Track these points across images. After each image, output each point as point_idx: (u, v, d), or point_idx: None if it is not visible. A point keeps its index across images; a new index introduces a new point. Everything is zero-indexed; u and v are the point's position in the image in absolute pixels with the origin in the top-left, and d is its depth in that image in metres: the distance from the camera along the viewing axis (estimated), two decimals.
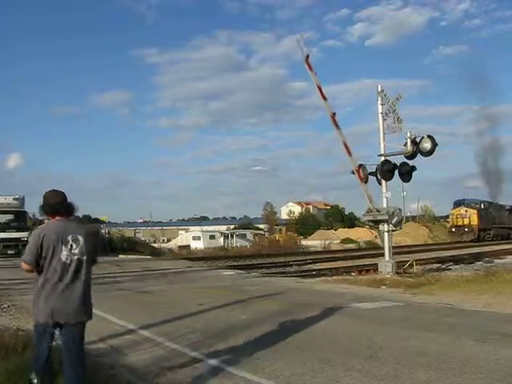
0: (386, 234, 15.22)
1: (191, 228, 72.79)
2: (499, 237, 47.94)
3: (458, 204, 48.82)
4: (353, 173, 15.59)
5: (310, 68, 14.79)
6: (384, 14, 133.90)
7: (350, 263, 22.81)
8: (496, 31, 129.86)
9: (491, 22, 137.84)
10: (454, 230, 47.48)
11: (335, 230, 67.47)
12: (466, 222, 46.52)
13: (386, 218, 14.78)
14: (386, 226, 15.04)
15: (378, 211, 15.05)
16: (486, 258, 24.85)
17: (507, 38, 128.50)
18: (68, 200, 3.95)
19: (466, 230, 45.99)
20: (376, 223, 15.78)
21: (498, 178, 61.74)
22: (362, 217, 16.93)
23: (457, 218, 47.43)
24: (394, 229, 15.31)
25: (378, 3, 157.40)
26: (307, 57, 14.70)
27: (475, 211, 46.73)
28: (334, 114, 14.85)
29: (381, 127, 15.12)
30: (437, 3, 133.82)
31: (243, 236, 53.33)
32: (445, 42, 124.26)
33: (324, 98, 14.87)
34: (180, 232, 70.35)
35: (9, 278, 14.77)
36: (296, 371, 5.03)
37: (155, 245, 46.86)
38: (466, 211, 47.02)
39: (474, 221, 46.15)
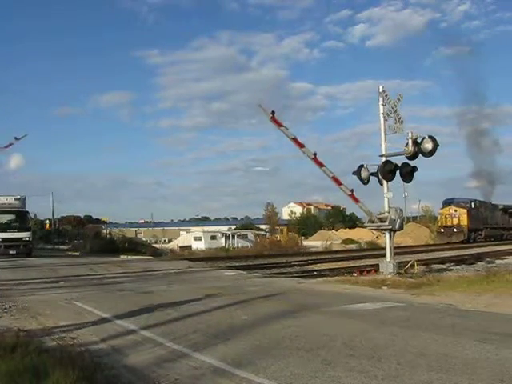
0: (387, 236, 15.27)
1: (192, 228, 72.70)
2: (492, 238, 45.83)
3: (447, 203, 46.27)
4: (354, 174, 15.63)
5: (280, 124, 14.74)
6: (384, 15, 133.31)
7: (351, 264, 22.81)
8: (496, 32, 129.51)
9: (491, 24, 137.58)
10: (442, 230, 44.79)
11: (336, 230, 67.34)
12: (456, 221, 43.94)
13: (390, 227, 14.92)
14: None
15: (381, 221, 15.08)
16: (488, 259, 24.80)
17: (507, 39, 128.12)
18: None
19: (455, 230, 43.39)
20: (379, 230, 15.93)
21: (491, 176, 58.55)
22: (365, 221, 16.95)
23: (445, 217, 44.88)
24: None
25: (378, 4, 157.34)
26: (273, 114, 14.57)
27: (465, 210, 44.18)
28: (315, 154, 15.03)
29: (382, 128, 15.12)
30: (437, 4, 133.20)
31: (244, 236, 53.28)
32: (445, 43, 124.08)
33: (301, 145, 15.01)
34: (181, 232, 70.25)
35: (11, 279, 14.82)
36: (297, 372, 5.03)
37: (156, 245, 46.84)
38: (456, 210, 44.45)
39: (464, 221, 43.62)
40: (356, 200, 15.59)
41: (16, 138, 26.92)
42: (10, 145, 27.30)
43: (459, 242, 41.38)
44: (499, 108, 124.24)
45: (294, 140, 14.78)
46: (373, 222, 15.56)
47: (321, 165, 15.12)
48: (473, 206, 45.38)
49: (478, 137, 61.82)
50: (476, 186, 59.06)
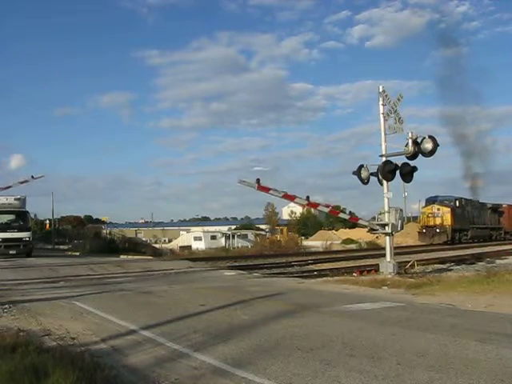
0: (387, 236, 15.29)
1: (192, 228, 72.78)
2: (479, 238, 43.50)
3: (430, 201, 42.89)
4: (354, 173, 15.65)
5: (267, 189, 15.23)
6: (384, 16, 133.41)
7: (351, 264, 22.78)
8: (495, 33, 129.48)
9: (490, 24, 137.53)
10: (424, 231, 41.33)
11: (336, 230, 67.43)
12: (438, 221, 40.61)
13: (393, 232, 14.98)
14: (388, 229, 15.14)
15: (382, 226, 15.12)
16: (488, 259, 24.79)
17: (506, 40, 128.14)
18: None
19: (438, 230, 40.04)
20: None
21: (479, 173, 54.46)
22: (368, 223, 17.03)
23: (428, 217, 41.57)
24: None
25: (377, 5, 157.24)
26: (258, 182, 14.98)
27: (448, 209, 40.91)
28: (308, 197, 15.52)
29: (382, 128, 15.12)
30: (436, 5, 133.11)
31: (244, 236, 53.30)
32: (444, 44, 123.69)
33: (293, 198, 15.50)
34: (181, 232, 70.38)
35: (11, 279, 14.82)
36: (297, 371, 5.03)
37: (156, 245, 46.86)
38: (439, 209, 41.18)
39: (447, 220, 40.34)
40: (355, 219, 15.95)
41: (33, 177, 27.59)
42: (26, 181, 27.72)
43: (442, 243, 38.65)
44: (496, 108, 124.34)
45: (285, 196, 15.54)
46: (375, 229, 15.70)
47: (315, 206, 15.65)
48: (457, 205, 42.19)
49: (467, 136, 59.88)
50: (484, 186, 56.31)
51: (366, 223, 15.97)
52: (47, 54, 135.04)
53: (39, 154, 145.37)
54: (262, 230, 63.92)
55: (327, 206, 15.98)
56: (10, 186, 27.32)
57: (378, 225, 15.36)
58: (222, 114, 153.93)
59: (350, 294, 11.19)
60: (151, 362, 5.51)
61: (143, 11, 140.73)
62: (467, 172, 54.64)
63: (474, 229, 43.32)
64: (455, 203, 42.10)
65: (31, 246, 27.23)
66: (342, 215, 15.74)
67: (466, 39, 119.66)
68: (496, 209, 47.92)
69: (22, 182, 28.01)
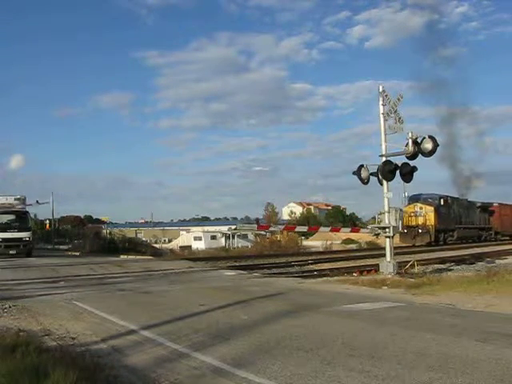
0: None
1: (192, 228, 72.75)
2: (468, 239, 41.56)
3: (413, 200, 39.18)
4: (354, 174, 15.66)
5: (267, 227, 16.23)
6: (383, 16, 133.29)
7: (351, 264, 22.79)
8: (494, 33, 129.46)
9: (489, 25, 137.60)
10: (405, 231, 36.94)
11: None
12: (421, 221, 37.75)
13: (394, 234, 15.01)
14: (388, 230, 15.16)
15: (383, 229, 15.15)
16: (488, 259, 24.77)
17: (505, 40, 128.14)
18: None
19: (420, 231, 37.12)
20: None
21: (466, 171, 53.12)
22: (365, 220, 17.23)
23: (410, 216, 37.88)
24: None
25: (377, 6, 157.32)
26: (257, 223, 15.60)
27: (432, 208, 38.18)
28: (308, 222, 16.35)
29: (382, 128, 15.11)
30: (435, 6, 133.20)
31: (244, 236, 53.25)
32: (443, 44, 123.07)
33: (294, 227, 16.55)
34: (181, 232, 70.27)
35: (11, 279, 14.82)
36: (297, 372, 5.03)
37: (156, 245, 46.80)
38: (421, 208, 38.40)
39: (431, 220, 37.64)
40: (357, 230, 16.26)
41: (38, 202, 28.11)
42: (30, 205, 28.14)
43: (425, 244, 36.16)
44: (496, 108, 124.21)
45: (286, 228, 16.44)
46: (377, 234, 15.77)
47: (315, 229, 16.35)
48: (442, 203, 39.34)
49: (456, 135, 58.38)
50: (485, 185, 54.38)
51: (368, 231, 16.05)
52: (47, 54, 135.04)
53: (39, 154, 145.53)
54: None
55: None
56: (13, 206, 27.64)
57: (379, 228, 15.36)
58: (221, 114, 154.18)
59: (350, 294, 11.19)
60: (151, 362, 5.51)
61: (143, 11, 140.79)
62: (457, 173, 53.51)
63: (460, 229, 40.93)
64: (440, 202, 39.40)
65: (31, 245, 27.23)
66: (343, 230, 15.96)
67: (465, 39, 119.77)
68: (486, 208, 45.58)
69: (27, 205, 28.44)
